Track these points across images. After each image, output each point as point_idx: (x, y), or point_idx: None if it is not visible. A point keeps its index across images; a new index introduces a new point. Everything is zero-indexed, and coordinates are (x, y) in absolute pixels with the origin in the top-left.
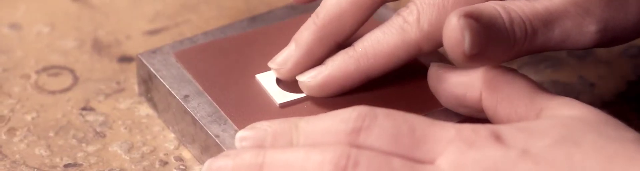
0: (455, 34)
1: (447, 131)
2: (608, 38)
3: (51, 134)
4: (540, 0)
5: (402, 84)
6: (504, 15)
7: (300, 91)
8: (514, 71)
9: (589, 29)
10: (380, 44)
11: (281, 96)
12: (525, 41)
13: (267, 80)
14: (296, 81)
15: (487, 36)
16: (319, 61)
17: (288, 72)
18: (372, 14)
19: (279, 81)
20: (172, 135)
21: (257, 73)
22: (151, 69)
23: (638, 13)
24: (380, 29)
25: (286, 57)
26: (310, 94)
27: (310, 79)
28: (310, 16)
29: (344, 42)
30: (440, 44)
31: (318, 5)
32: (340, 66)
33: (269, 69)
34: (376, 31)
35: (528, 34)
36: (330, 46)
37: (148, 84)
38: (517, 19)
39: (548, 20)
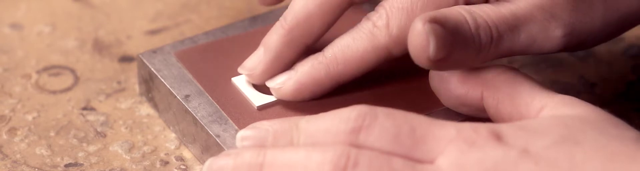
0: (420, 39)
1: (447, 131)
2: (574, 42)
3: (52, 134)
4: (506, 4)
5: (403, 83)
6: (470, 20)
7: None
8: (515, 70)
9: (555, 34)
10: (350, 49)
11: (259, 99)
12: (491, 46)
13: (243, 83)
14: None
15: (453, 41)
16: (290, 64)
17: (259, 77)
18: (340, 15)
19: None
20: (173, 135)
21: None
22: (152, 69)
23: (603, 17)
24: (350, 34)
25: (256, 61)
26: (281, 98)
27: (280, 85)
28: None
29: (314, 45)
30: None
31: None
32: (310, 71)
33: None
34: (345, 36)
35: (494, 39)
36: (299, 49)
37: (149, 84)
38: (483, 23)
39: (514, 24)
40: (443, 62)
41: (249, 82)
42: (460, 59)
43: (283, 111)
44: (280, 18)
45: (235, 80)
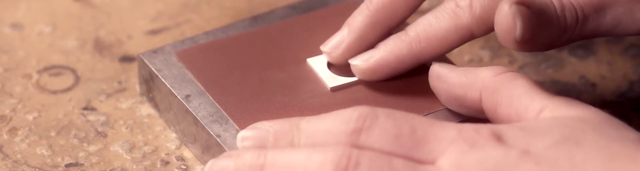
0: (506, 20)
1: (448, 131)
2: None
3: (53, 134)
4: None
5: (403, 84)
6: (556, 2)
7: (350, 75)
8: (513, 72)
9: None
10: (433, 28)
11: (332, 80)
12: (576, 27)
13: (318, 64)
14: (346, 66)
15: (539, 22)
16: (371, 45)
17: (340, 56)
18: (423, 0)
19: (329, 65)
20: (174, 135)
21: (258, 73)
22: (152, 69)
23: None
24: (433, 14)
25: (339, 41)
26: (362, 77)
27: (362, 62)
28: (309, 16)
29: (396, 28)
30: (492, 29)
31: (318, 5)
32: (393, 49)
33: (269, 67)
34: (428, 15)
35: (579, 21)
36: (382, 31)
37: (149, 84)
38: (569, 5)
39: (599, 6)
40: (529, 43)
41: (323, 63)
42: (546, 40)
43: (283, 112)
44: (366, 0)
45: (311, 61)
